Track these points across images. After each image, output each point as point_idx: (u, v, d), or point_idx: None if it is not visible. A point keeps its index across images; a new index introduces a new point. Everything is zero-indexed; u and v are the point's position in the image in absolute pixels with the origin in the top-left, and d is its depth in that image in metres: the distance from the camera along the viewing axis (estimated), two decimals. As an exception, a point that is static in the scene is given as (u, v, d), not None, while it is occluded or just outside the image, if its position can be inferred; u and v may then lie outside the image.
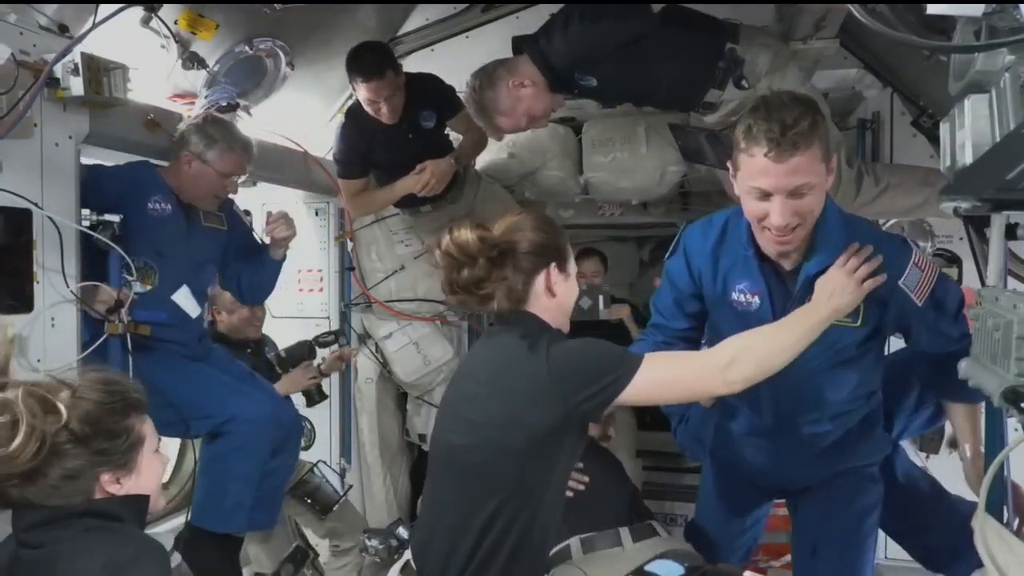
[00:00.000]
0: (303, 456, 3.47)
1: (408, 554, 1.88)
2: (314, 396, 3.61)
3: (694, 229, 2.07)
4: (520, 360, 1.70)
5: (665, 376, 1.70)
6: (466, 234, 1.72)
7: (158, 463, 1.49)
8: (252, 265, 3.04)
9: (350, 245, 4.03)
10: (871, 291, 1.81)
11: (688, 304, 2.13)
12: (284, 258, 3.07)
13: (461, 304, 1.90)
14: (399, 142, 3.32)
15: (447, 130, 3.51)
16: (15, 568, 1.32)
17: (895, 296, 1.87)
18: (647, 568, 1.64)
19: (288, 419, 2.96)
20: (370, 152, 3.36)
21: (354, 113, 3.33)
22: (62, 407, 1.31)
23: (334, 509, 3.50)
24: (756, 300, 1.94)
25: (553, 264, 1.79)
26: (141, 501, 1.44)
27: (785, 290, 1.93)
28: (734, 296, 1.98)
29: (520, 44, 2.86)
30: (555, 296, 1.79)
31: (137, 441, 1.42)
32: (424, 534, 1.83)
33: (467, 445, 1.74)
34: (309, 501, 3.48)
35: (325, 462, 3.63)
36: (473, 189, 3.77)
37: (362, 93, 3.13)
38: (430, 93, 3.32)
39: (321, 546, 3.65)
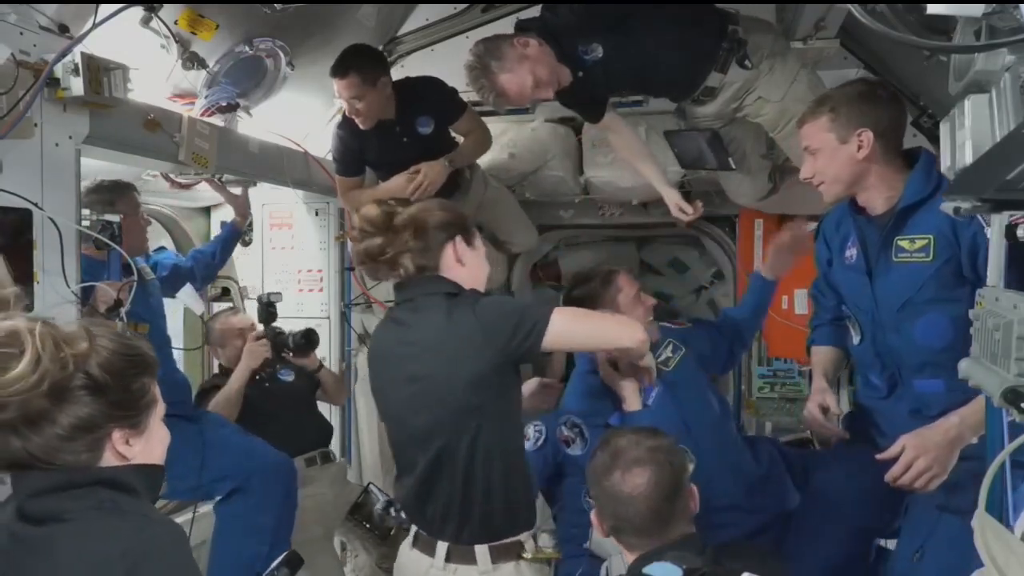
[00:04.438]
0: (350, 477, 3.54)
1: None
2: (293, 342, 3.35)
3: (831, 210, 2.40)
4: (448, 320, 1.90)
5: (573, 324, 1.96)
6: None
7: (165, 432, 1.41)
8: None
9: (350, 245, 4.03)
10: (942, 224, 2.00)
11: (828, 275, 2.44)
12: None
13: None
14: (392, 146, 3.28)
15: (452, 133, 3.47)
16: (15, 549, 1.22)
17: (967, 228, 1.98)
18: (645, 570, 1.63)
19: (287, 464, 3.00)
20: (363, 153, 3.34)
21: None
22: (69, 353, 1.22)
23: (391, 534, 3.44)
24: (856, 251, 2.25)
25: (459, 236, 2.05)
26: (156, 472, 1.38)
27: (874, 235, 2.19)
28: (846, 253, 2.30)
29: (524, 23, 2.86)
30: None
31: (152, 401, 1.36)
32: (412, 493, 2.00)
33: (420, 413, 1.94)
34: (368, 526, 3.44)
35: (374, 484, 3.60)
36: (479, 191, 3.73)
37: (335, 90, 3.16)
38: (430, 99, 3.28)
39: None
